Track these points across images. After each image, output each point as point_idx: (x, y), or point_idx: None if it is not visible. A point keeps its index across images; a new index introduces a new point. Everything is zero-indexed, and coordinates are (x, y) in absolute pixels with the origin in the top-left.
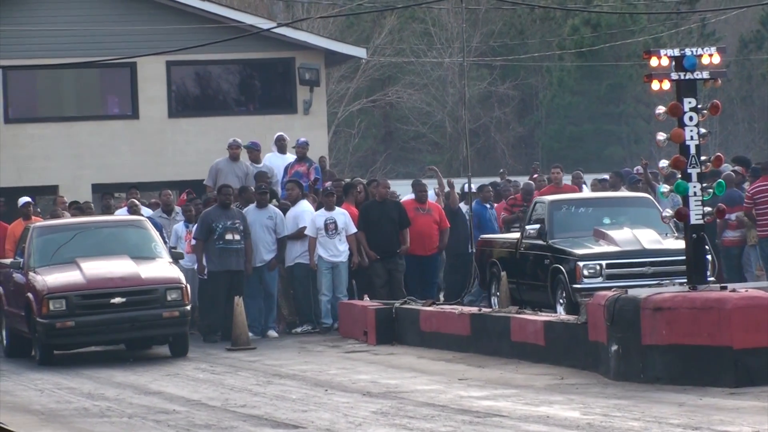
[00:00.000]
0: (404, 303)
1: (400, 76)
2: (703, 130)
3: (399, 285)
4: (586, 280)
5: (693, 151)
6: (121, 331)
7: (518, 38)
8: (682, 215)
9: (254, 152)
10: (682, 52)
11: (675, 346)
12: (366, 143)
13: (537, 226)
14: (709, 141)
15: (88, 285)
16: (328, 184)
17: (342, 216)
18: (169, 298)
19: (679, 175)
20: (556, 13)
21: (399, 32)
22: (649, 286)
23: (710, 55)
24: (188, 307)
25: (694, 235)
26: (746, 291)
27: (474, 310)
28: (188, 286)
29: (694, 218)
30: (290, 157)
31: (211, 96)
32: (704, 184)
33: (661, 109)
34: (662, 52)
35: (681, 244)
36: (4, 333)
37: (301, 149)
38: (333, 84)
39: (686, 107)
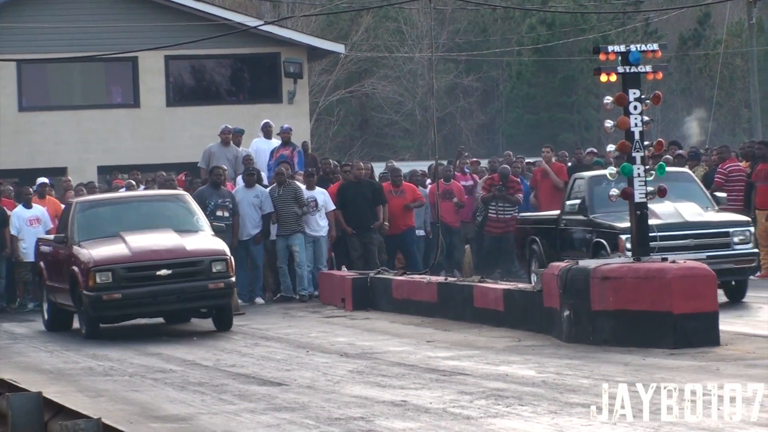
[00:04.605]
0: (378, 273)
1: (375, 70)
2: (646, 118)
3: (373, 257)
4: (629, 253)
5: (637, 137)
6: (168, 303)
7: (481, 35)
8: (627, 194)
9: (238, 137)
10: (628, 48)
11: (621, 312)
12: (344, 130)
13: (577, 201)
14: (652, 128)
15: (134, 257)
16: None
17: (322, 195)
18: (214, 270)
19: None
20: (515, 12)
21: (374, 30)
22: (692, 259)
23: (653, 51)
24: (233, 279)
25: (638, 212)
26: (684, 262)
27: (441, 279)
28: (232, 258)
29: (638, 197)
30: (275, 141)
31: (205, 87)
32: (647, 166)
33: (608, 99)
34: (610, 48)
35: (723, 217)
36: (45, 307)
37: (286, 134)
38: (314, 76)
39: (631, 97)
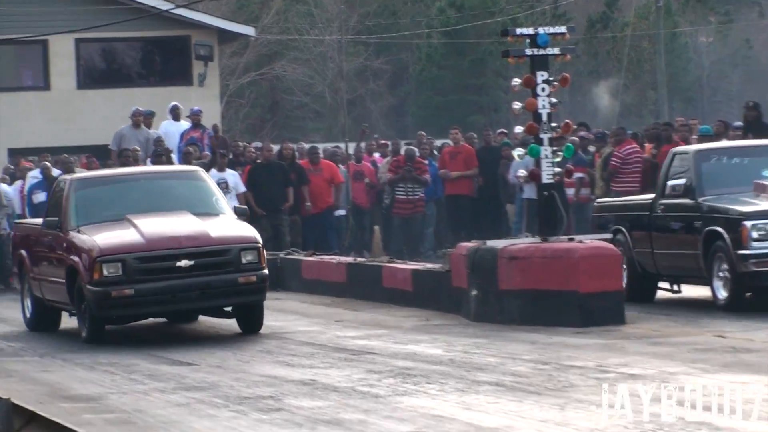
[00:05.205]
0: (288, 254)
1: (285, 52)
2: (554, 100)
3: (284, 238)
4: (755, 244)
5: (545, 118)
6: (189, 300)
7: (391, 18)
8: (535, 175)
9: (149, 119)
10: (536, 30)
11: (528, 291)
12: (255, 112)
13: (681, 181)
14: (560, 110)
15: (149, 245)
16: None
17: (232, 176)
18: (244, 261)
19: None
20: None
21: (284, 13)
22: None
23: (561, 34)
24: (266, 271)
25: (545, 192)
26: (591, 242)
27: (349, 259)
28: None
29: (545, 178)
30: (185, 124)
31: (115, 70)
32: (555, 148)
33: (516, 81)
34: (518, 30)
35: None
36: (27, 303)
37: (196, 117)
38: (225, 59)
39: (539, 80)
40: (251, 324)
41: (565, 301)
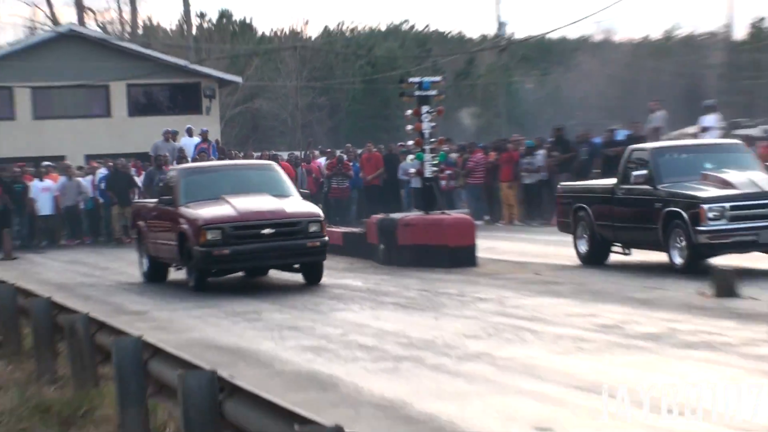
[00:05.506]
0: None
1: (261, 93)
2: (432, 124)
3: None
4: (711, 223)
5: (427, 135)
6: (270, 259)
7: (330, 72)
8: (420, 172)
9: (174, 135)
10: (421, 80)
11: (416, 246)
12: (242, 132)
13: (644, 172)
14: (438, 131)
15: (241, 217)
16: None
17: None
18: (310, 230)
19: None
20: (351, 57)
21: (261, 67)
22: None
23: (437, 81)
24: (327, 238)
25: (427, 183)
26: (455, 215)
27: None
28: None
29: (427, 174)
30: (197, 139)
31: (152, 104)
32: (433, 155)
33: (409, 112)
34: (410, 79)
35: None
36: (144, 261)
37: (204, 134)
38: (223, 97)
39: (423, 111)
40: (313, 277)
41: (439, 252)
